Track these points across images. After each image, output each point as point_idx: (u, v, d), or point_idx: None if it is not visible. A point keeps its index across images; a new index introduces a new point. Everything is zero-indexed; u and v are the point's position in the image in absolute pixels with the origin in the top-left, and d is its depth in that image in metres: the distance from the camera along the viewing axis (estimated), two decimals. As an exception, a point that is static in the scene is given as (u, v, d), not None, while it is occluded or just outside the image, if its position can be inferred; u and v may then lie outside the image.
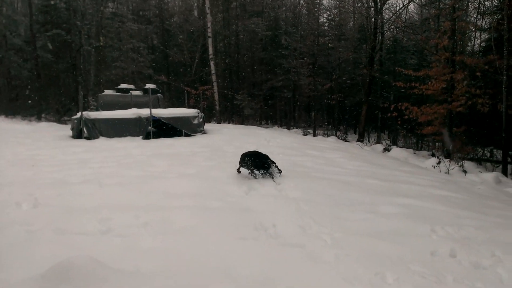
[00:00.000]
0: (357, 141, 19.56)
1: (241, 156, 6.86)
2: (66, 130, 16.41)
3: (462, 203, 6.47)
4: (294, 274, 3.31)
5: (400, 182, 7.67)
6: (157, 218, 4.60)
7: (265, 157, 6.92)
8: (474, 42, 23.12)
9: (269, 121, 32.51)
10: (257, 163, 6.74)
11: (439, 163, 11.25)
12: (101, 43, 24.46)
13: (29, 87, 24.19)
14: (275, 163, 6.91)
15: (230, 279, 3.18)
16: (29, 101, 23.39)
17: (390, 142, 20.50)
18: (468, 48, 23.82)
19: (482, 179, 10.06)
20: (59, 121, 23.04)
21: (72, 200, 5.34)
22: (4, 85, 25.06)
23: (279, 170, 6.88)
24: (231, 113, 28.91)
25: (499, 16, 15.25)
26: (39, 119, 23.65)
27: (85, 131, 13.08)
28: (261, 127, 25.13)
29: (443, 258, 3.81)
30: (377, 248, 3.90)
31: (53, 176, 6.86)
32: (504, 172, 12.30)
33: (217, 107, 23.48)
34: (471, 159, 14.17)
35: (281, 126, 28.66)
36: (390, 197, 6.08)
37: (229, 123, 26.40)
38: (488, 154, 17.34)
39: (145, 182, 6.41)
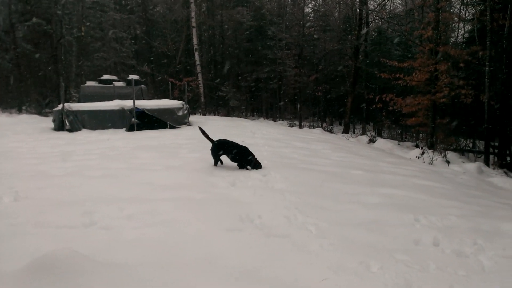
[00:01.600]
0: (342, 133, 19.70)
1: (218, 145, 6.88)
2: (47, 122, 16.10)
3: (445, 192, 6.56)
4: (279, 264, 3.32)
5: (384, 172, 7.74)
6: (142, 210, 4.55)
7: (245, 150, 6.90)
8: (457, 33, 23.40)
9: (255, 113, 32.47)
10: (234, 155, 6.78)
11: (422, 153, 11.42)
12: (82, 33, 23.94)
13: (9, 78, 23.63)
14: (252, 155, 6.88)
15: (216, 269, 3.17)
16: (9, 93, 22.87)
17: (375, 134, 20.71)
18: (452, 39, 24.08)
19: (464, 169, 10.25)
20: (41, 113, 22.59)
21: (55, 193, 5.25)
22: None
23: (257, 164, 6.83)
24: (217, 105, 28.78)
25: (482, 7, 15.45)
26: (19, 111, 23.15)
27: (67, 123, 12.85)
28: (246, 119, 25.08)
29: (426, 246, 3.86)
30: (361, 238, 3.94)
31: (35, 169, 6.72)
32: (486, 162, 12.57)
33: (202, 98, 23.31)
34: (454, 150, 14.43)
35: (266, 118, 28.67)
36: (374, 188, 6.13)
37: (214, 115, 26.28)
38: (471, 145, 17.68)
39: (129, 175, 6.34)
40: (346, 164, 8.23)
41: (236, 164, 6.90)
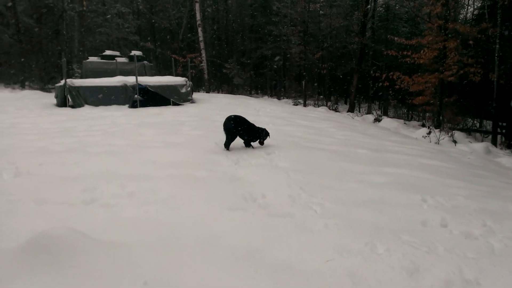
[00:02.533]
0: (347, 112, 19.48)
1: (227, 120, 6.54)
2: (50, 98, 15.98)
3: (452, 172, 6.44)
4: (283, 244, 3.24)
5: (390, 151, 7.61)
6: (143, 188, 4.47)
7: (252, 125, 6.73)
8: (467, 10, 22.79)
9: (259, 91, 32.14)
10: (244, 129, 6.56)
11: (429, 133, 11.24)
12: (84, 8, 23.51)
13: (11, 53, 23.35)
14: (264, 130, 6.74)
15: (216, 249, 3.09)
16: (12, 69, 22.66)
17: (381, 113, 20.45)
18: (461, 16, 23.50)
19: (472, 149, 10.09)
20: (43, 89, 22.41)
21: (55, 169, 5.18)
22: (-16, 52, 24.10)
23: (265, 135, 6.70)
24: (220, 82, 28.47)
25: (495, -18, 14.93)
26: (22, 87, 23.00)
27: (70, 99, 12.72)
28: (250, 97, 24.83)
29: (433, 227, 3.76)
30: (367, 218, 3.84)
31: (36, 145, 6.64)
32: (494, 142, 12.39)
33: (206, 75, 23.05)
34: (461, 129, 14.22)
35: (271, 96, 28.37)
36: (379, 167, 6.01)
37: (218, 92, 26.03)
38: (478, 125, 17.44)
39: (131, 151, 6.25)
40: (351, 143, 8.09)
41: (242, 142, 6.76)
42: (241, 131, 6.51)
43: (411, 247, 3.22)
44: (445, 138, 11.44)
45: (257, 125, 6.78)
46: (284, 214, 3.83)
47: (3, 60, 24.23)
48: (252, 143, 6.77)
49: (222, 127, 6.51)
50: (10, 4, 22.98)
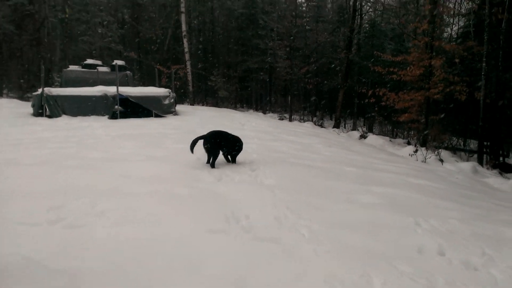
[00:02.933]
0: (333, 127, 19.37)
1: (211, 136, 6.17)
2: (27, 107, 15.40)
3: (442, 193, 6.23)
4: (268, 272, 2.92)
5: (378, 170, 7.40)
6: (117, 206, 4.10)
7: (236, 139, 6.40)
8: (452, 28, 23.13)
9: (244, 105, 31.95)
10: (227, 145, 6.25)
11: (416, 151, 11.12)
12: (67, 15, 23.03)
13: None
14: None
15: (197, 278, 2.76)
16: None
17: (366, 129, 20.43)
18: (445, 34, 23.82)
19: (459, 168, 9.98)
20: (22, 97, 21.76)
21: (22, 184, 4.76)
22: (-38, 57, 23.37)
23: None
24: (205, 94, 28.18)
25: (479, 0, 15.13)
26: (0, 95, 22.31)
27: (47, 109, 12.23)
28: (236, 110, 24.59)
29: (431, 256, 3.49)
30: (359, 243, 3.55)
31: (5, 157, 6.21)
32: (480, 162, 12.34)
33: (191, 87, 22.73)
34: (446, 148, 14.20)
35: (256, 110, 28.19)
36: (368, 186, 5.76)
37: (202, 105, 25.72)
38: (462, 143, 17.50)
39: (107, 165, 5.86)
40: (338, 160, 7.86)
41: (223, 157, 6.43)
42: (224, 147, 6.19)
43: (409, 280, 2.94)
44: (431, 156, 11.33)
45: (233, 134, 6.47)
46: (269, 238, 3.51)
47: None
48: (236, 158, 6.45)
49: (202, 145, 6.13)
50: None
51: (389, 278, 2.90)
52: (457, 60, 14.67)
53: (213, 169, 5.95)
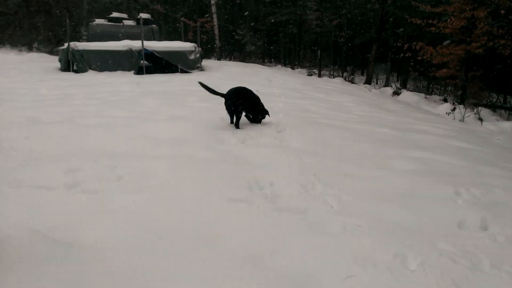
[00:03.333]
0: (364, 83, 18.58)
1: (231, 94, 5.79)
2: (55, 61, 15.35)
3: (484, 157, 5.76)
4: (292, 250, 2.67)
5: (413, 131, 6.92)
6: (135, 170, 3.92)
7: (257, 99, 6.03)
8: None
9: (272, 60, 31.06)
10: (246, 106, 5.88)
11: (454, 109, 10.44)
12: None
13: (18, 14, 22.66)
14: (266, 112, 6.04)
15: (213, 254, 2.54)
16: (19, 31, 22.02)
17: (400, 85, 19.48)
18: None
19: (500, 128, 9.33)
20: (51, 52, 21.83)
21: (41, 143, 4.65)
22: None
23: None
24: (232, 49, 27.46)
25: None
26: (30, 49, 22.46)
27: (73, 64, 12.12)
28: (263, 65, 23.93)
29: (473, 231, 3.15)
30: (393, 216, 3.24)
31: (26, 114, 6.12)
32: (522, 121, 11.49)
33: (217, 41, 22.11)
34: (485, 105, 13.33)
35: (284, 65, 27.36)
36: (404, 149, 5.36)
37: (229, 60, 25.15)
38: (502, 100, 16.43)
39: (129, 124, 5.68)
40: (371, 120, 7.41)
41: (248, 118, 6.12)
42: (245, 107, 5.83)
43: (449, 260, 2.62)
44: (470, 115, 10.65)
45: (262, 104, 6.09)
46: (294, 210, 3.24)
47: (10, 22, 23.58)
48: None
49: (224, 104, 5.82)
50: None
51: (427, 259, 2.59)
52: (502, 12, 13.42)
53: (237, 129, 5.67)
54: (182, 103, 7.49)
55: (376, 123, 7.05)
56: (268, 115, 6.04)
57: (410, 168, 4.55)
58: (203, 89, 5.93)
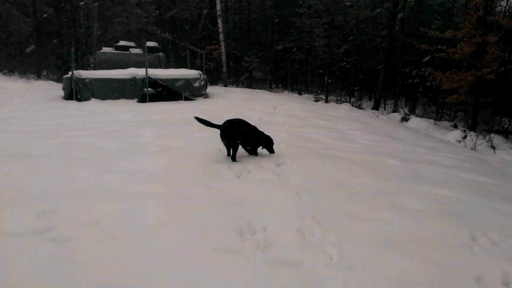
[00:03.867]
0: (372, 109, 18.24)
1: (224, 127, 5.46)
2: (61, 90, 15.40)
3: (501, 192, 5.31)
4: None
5: (423, 162, 6.51)
6: (116, 211, 3.58)
7: (253, 129, 5.70)
8: (507, 2, 20.96)
9: (280, 85, 30.99)
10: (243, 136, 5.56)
11: (465, 137, 10.00)
12: (102, -3, 22.84)
13: (31, 42, 22.97)
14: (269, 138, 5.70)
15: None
16: (29, 58, 22.25)
17: (408, 110, 19.09)
18: (498, 8, 21.67)
19: (515, 158, 8.85)
20: (59, 80, 21.98)
21: (21, 181, 4.35)
22: (3, 40, 23.76)
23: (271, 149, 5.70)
24: (239, 75, 27.47)
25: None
26: (38, 76, 22.66)
27: (76, 92, 12.02)
28: (270, 91, 23.81)
29: (493, 287, 2.73)
30: (402, 271, 2.83)
31: (15, 147, 5.87)
32: (538, 149, 10.97)
33: (225, 68, 22.11)
34: (497, 131, 12.85)
35: (292, 90, 27.22)
36: (414, 185, 4.95)
37: (236, 86, 25.08)
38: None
39: (120, 157, 5.39)
40: (378, 150, 7.02)
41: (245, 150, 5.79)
42: (241, 138, 5.52)
43: (469, 331, 2.21)
44: (482, 143, 10.19)
45: (263, 132, 5.76)
46: (288, 262, 2.85)
47: (22, 49, 23.89)
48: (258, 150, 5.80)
49: (220, 136, 5.52)
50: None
51: (442, 333, 2.18)
52: (514, 37, 13.12)
53: (234, 162, 5.34)
54: (180, 133, 7.21)
55: (383, 154, 6.66)
56: (271, 142, 5.66)
57: (421, 207, 4.14)
58: (203, 116, 5.64)
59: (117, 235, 3.14)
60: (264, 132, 5.71)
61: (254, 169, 5.07)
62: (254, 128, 5.65)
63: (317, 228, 3.44)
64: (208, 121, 5.50)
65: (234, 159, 5.39)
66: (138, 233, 3.19)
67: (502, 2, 21.28)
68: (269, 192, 4.25)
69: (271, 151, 5.66)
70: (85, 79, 12.05)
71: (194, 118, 5.54)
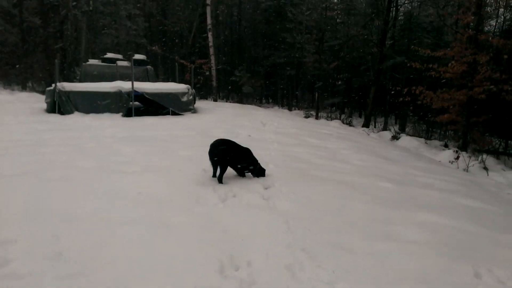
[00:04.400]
0: (362, 126, 18.10)
1: (214, 146, 5.21)
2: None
3: (499, 220, 5.05)
4: None
5: (418, 185, 6.24)
6: (84, 241, 3.22)
7: (246, 151, 5.44)
8: (496, 21, 21.21)
9: (270, 100, 30.86)
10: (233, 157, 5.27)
11: (457, 158, 9.81)
12: (91, 8, 22.55)
13: (15, 53, 22.53)
14: (257, 162, 5.44)
15: None
16: (15, 69, 21.76)
17: (398, 129, 18.99)
18: (487, 28, 21.91)
19: (508, 180, 8.69)
20: (44, 92, 21.50)
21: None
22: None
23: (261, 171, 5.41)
24: (229, 90, 27.27)
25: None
26: (23, 88, 22.16)
27: (59, 105, 11.61)
28: (260, 106, 23.61)
29: None
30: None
31: (-15, 165, 5.45)
32: (531, 171, 10.83)
33: (214, 83, 21.86)
34: (488, 151, 12.73)
35: (282, 106, 27.08)
36: (409, 211, 4.67)
37: (226, 101, 24.86)
38: (504, 145, 15.85)
39: (95, 178, 5.01)
40: (371, 172, 6.75)
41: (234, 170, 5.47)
42: (230, 159, 5.22)
43: None
44: (474, 164, 10.01)
45: (257, 160, 5.48)
46: (275, 307, 2.52)
47: (6, 60, 23.40)
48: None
49: (208, 155, 5.22)
50: (15, 0, 22.19)
51: None
52: (505, 57, 13.09)
53: (220, 184, 5.00)
54: (163, 151, 6.85)
55: (376, 176, 6.39)
56: (263, 173, 5.38)
57: (418, 238, 3.84)
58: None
59: (82, 271, 2.78)
60: (258, 161, 5.43)
61: (240, 192, 4.74)
62: (248, 151, 5.37)
63: (307, 263, 3.11)
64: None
65: (220, 180, 5.06)
66: (106, 269, 2.83)
67: (491, 22, 21.58)
68: (255, 219, 3.92)
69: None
70: (69, 92, 11.65)
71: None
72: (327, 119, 19.30)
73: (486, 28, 22.15)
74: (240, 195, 4.64)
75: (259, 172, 5.37)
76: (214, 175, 5.24)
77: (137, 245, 3.22)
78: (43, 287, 2.58)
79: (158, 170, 5.53)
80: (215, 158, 5.13)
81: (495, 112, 14.70)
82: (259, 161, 5.46)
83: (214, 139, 5.40)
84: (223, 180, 5.10)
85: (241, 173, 5.43)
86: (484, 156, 10.87)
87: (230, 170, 5.34)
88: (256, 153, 5.56)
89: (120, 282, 2.66)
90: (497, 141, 15.56)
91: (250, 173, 5.42)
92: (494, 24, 21.62)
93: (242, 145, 5.50)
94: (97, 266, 2.86)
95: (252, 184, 5.07)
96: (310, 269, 3.03)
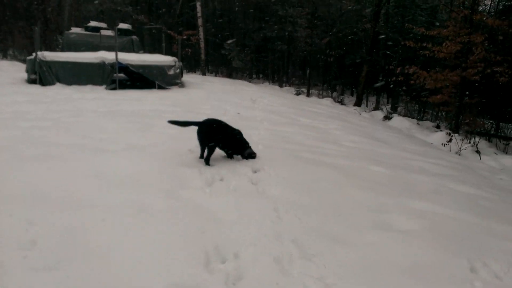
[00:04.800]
0: (354, 105, 17.92)
1: (204, 125, 4.97)
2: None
3: (493, 207, 4.95)
4: None
5: (411, 170, 6.11)
6: (59, 229, 2.98)
7: (237, 133, 5.18)
8: (491, 1, 20.85)
9: (260, 76, 30.35)
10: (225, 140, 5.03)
11: (450, 141, 9.71)
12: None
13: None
14: (248, 144, 5.20)
15: None
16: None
17: (390, 108, 18.84)
18: (481, 7, 21.56)
19: (500, 164, 8.64)
20: (25, 60, 20.74)
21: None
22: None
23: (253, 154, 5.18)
24: (218, 64, 26.67)
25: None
26: (4, 56, 21.35)
27: (40, 75, 11.11)
28: (250, 82, 23.18)
29: None
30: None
31: (-44, 139, 5.11)
32: (520, 153, 10.85)
33: (203, 56, 21.30)
34: (480, 134, 12.69)
35: (272, 82, 26.66)
36: (402, 198, 4.51)
37: (215, 75, 24.34)
38: (495, 127, 15.86)
39: (74, 157, 4.72)
40: (362, 154, 6.58)
41: (223, 151, 5.22)
42: (222, 142, 4.98)
43: None
44: (467, 147, 9.93)
45: (249, 144, 5.22)
46: (263, 306, 2.34)
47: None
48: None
49: (197, 134, 4.96)
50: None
51: None
52: (500, 38, 12.89)
53: (207, 166, 4.77)
54: (148, 128, 6.55)
55: (368, 159, 6.22)
56: (253, 157, 5.14)
57: (412, 227, 3.69)
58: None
59: (56, 263, 2.55)
60: (249, 143, 5.18)
61: (228, 175, 4.51)
62: (239, 133, 5.11)
63: (297, 255, 2.93)
64: (184, 121, 4.94)
65: (207, 162, 4.82)
66: (82, 260, 2.60)
67: (486, 1, 21.19)
68: (243, 205, 3.71)
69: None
70: (50, 62, 11.14)
71: (168, 123, 4.96)
72: (319, 97, 19.05)
73: (481, 8, 21.85)
74: (228, 179, 4.41)
75: (249, 155, 5.13)
76: (201, 156, 4.99)
77: (114, 235, 2.98)
78: (13, 281, 2.34)
79: (142, 149, 5.27)
80: (204, 139, 4.87)
81: (487, 94, 14.61)
82: (249, 142, 5.22)
83: (203, 118, 5.14)
84: (211, 162, 4.86)
85: (230, 155, 5.20)
86: (477, 139, 10.81)
87: (218, 151, 5.10)
88: (245, 133, 5.32)
89: (96, 276, 2.44)
90: (489, 123, 15.54)
91: (239, 156, 5.18)
92: (489, 3, 21.26)
93: (232, 125, 5.24)
94: (71, 257, 2.63)
95: (240, 167, 4.84)
96: (300, 262, 2.84)
